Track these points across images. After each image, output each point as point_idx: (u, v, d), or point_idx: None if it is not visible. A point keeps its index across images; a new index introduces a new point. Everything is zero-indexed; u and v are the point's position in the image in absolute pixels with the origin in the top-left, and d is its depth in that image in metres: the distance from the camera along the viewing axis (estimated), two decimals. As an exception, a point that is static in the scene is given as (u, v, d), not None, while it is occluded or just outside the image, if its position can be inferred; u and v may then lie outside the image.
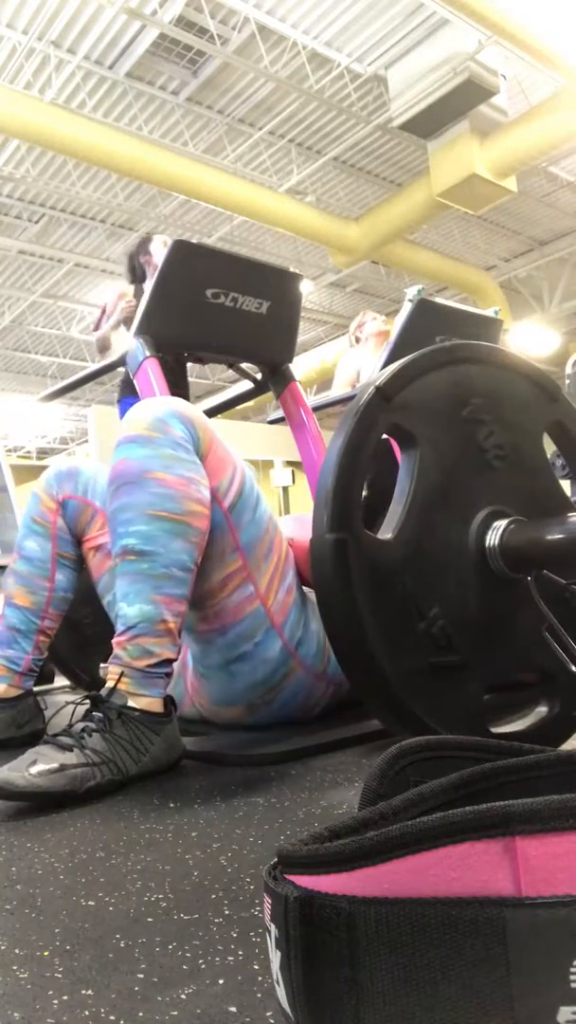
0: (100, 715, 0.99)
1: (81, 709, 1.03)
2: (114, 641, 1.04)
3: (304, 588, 1.27)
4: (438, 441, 1.00)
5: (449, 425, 1.01)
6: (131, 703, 1.01)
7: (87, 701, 1.02)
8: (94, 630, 1.67)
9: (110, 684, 1.02)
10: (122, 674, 1.02)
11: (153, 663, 1.03)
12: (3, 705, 1.29)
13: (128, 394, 3.33)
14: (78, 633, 1.74)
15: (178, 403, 1.12)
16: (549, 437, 1.13)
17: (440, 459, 0.99)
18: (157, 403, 1.12)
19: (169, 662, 1.05)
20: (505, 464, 1.04)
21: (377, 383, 0.97)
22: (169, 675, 1.06)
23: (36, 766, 0.90)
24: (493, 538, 0.98)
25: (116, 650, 1.03)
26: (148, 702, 1.02)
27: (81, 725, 0.98)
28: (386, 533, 0.95)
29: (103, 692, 1.02)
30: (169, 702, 1.06)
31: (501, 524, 0.99)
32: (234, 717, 1.25)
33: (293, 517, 1.42)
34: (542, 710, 1.04)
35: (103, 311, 3.28)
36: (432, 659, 0.94)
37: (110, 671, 1.04)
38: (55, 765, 0.91)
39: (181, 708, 1.33)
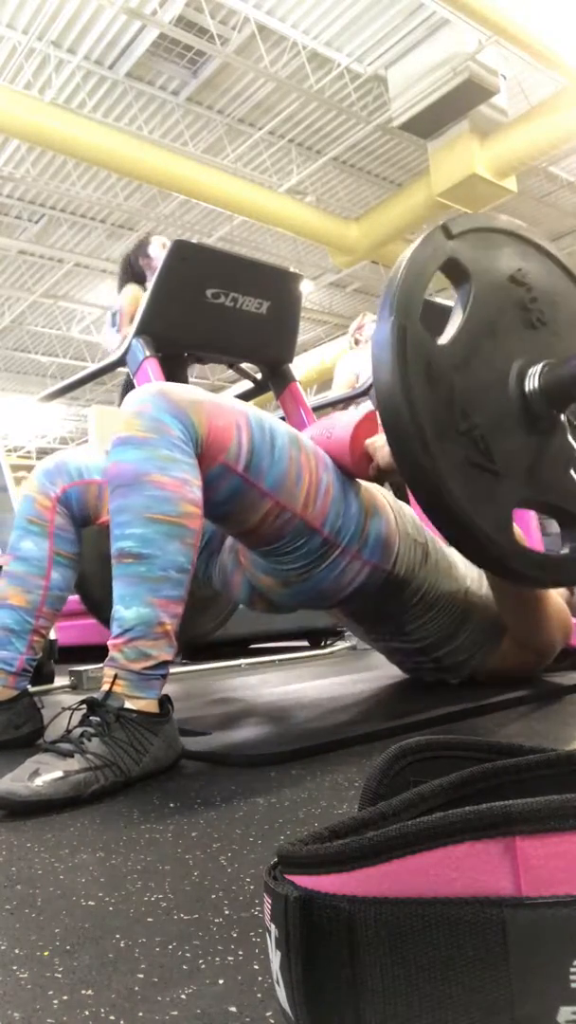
0: (98, 719, 0.99)
1: (78, 714, 1.02)
2: (110, 643, 1.04)
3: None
4: (489, 285, 1.12)
5: (499, 277, 1.14)
6: (128, 705, 1.00)
7: (83, 706, 1.02)
8: None
9: (105, 687, 1.02)
10: (116, 676, 1.01)
11: (150, 665, 1.02)
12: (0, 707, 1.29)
13: None
14: (106, 568, 1.74)
15: (170, 393, 1.08)
16: None
17: (490, 300, 1.11)
18: (149, 397, 1.08)
19: (165, 664, 1.05)
20: (545, 330, 1.16)
21: (444, 221, 1.10)
22: (165, 676, 1.06)
23: (39, 776, 0.90)
24: (532, 378, 1.10)
25: (112, 652, 1.03)
26: (145, 704, 1.02)
27: (80, 730, 0.98)
28: (440, 340, 1.06)
29: (98, 695, 1.01)
30: (166, 701, 1.06)
31: (538, 367, 1.11)
32: (270, 585, 1.31)
33: (322, 420, 1.41)
34: (565, 550, 1.14)
35: (121, 314, 3.20)
36: (472, 457, 1.04)
37: (105, 673, 1.03)
38: (58, 773, 0.91)
39: (234, 576, 1.39)
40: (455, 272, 1.10)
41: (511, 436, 1.09)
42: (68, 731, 0.99)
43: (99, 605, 1.84)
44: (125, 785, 0.97)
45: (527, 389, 1.10)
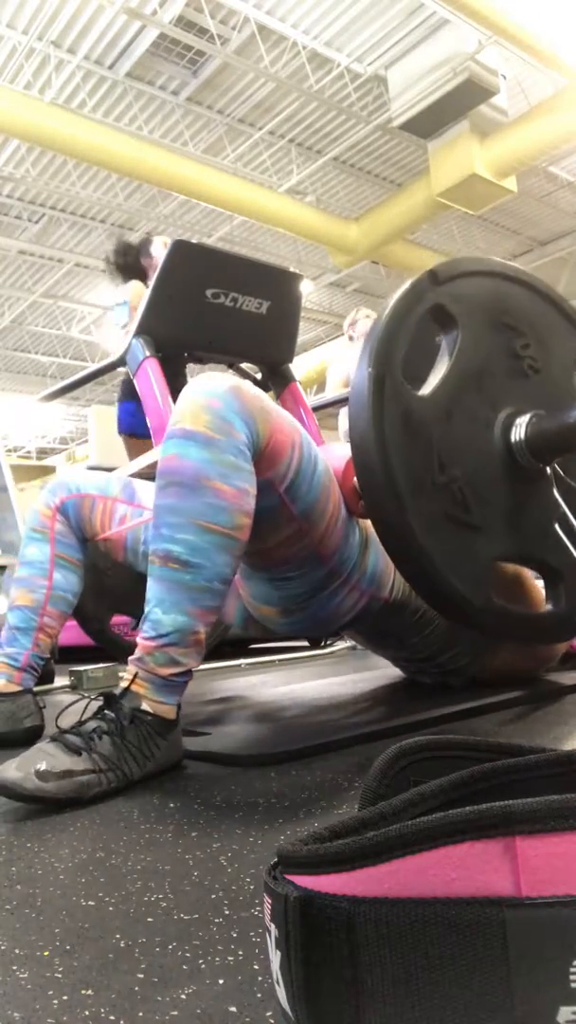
0: (112, 715, 0.98)
1: (93, 705, 1.02)
2: (140, 642, 1.02)
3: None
4: (478, 333, 1.08)
5: (489, 323, 1.10)
6: (144, 706, 1.00)
7: (100, 699, 1.02)
8: (113, 582, 1.68)
9: (124, 684, 1.01)
10: (136, 675, 1.01)
11: (177, 672, 1.02)
12: (1, 699, 1.30)
13: (128, 397, 3.30)
14: (98, 579, 1.75)
15: (242, 391, 1.02)
16: None
17: (477, 349, 1.07)
18: (220, 391, 1.01)
19: (190, 672, 1.04)
20: (537, 377, 1.12)
21: (432, 267, 1.07)
22: (187, 683, 1.05)
23: (44, 769, 0.90)
24: (519, 429, 1.06)
25: (141, 652, 1.01)
26: (164, 709, 1.01)
27: (93, 725, 0.97)
28: (422, 391, 1.03)
29: (117, 691, 1.01)
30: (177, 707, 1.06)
31: (526, 417, 1.07)
32: (269, 615, 1.30)
33: (323, 448, 1.41)
34: (548, 607, 1.10)
35: (130, 307, 3.16)
36: (449, 511, 1.00)
37: (127, 670, 1.02)
38: (63, 770, 0.91)
39: (228, 602, 1.37)
40: (442, 319, 1.07)
41: (493, 488, 1.05)
42: (80, 722, 0.98)
43: (90, 619, 1.85)
44: (125, 788, 0.97)
45: (513, 440, 1.06)
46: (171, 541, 1.00)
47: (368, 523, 1.29)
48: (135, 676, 1.01)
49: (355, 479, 1.18)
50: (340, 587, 1.23)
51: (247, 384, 1.05)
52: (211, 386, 1.02)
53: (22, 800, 0.88)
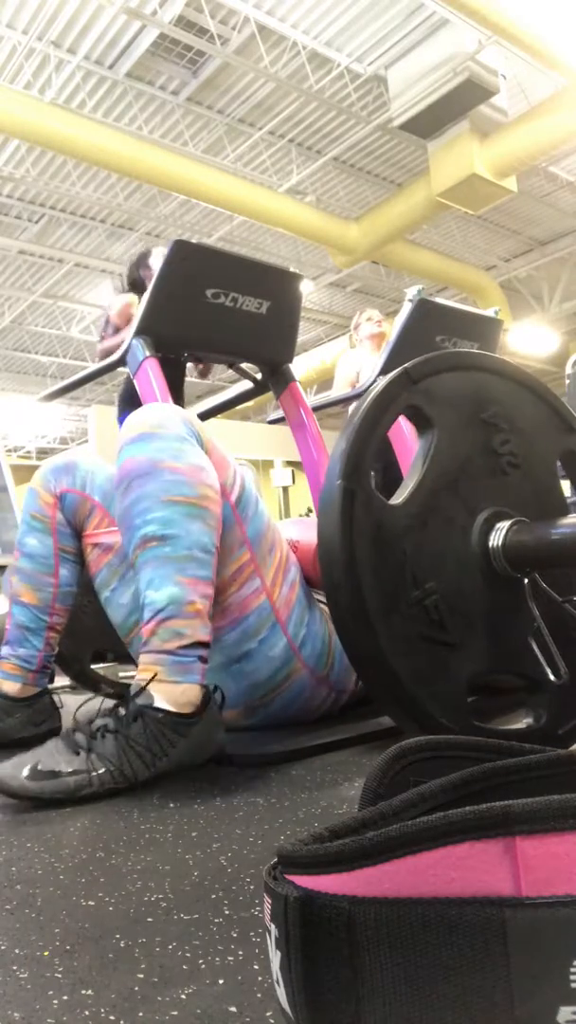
0: (122, 712, 0.97)
1: (108, 704, 1.02)
2: (144, 630, 1.01)
3: (311, 589, 1.27)
4: (455, 433, 1.03)
5: (467, 422, 1.05)
6: (158, 703, 0.97)
7: (114, 699, 1.01)
8: (92, 621, 1.67)
9: (139, 683, 0.99)
10: (155, 676, 0.98)
11: (185, 644, 1.00)
12: (20, 704, 1.29)
13: (128, 410, 3.29)
14: (74, 620, 1.74)
15: (176, 408, 1.13)
16: (562, 466, 1.15)
17: (455, 450, 1.02)
18: (154, 407, 1.13)
19: (202, 645, 1.02)
20: (517, 473, 1.06)
21: (407, 366, 1.02)
22: (204, 660, 1.02)
23: (34, 765, 0.91)
24: (498, 534, 1.00)
25: (147, 637, 1.01)
26: (181, 693, 0.98)
27: (100, 723, 0.96)
28: (394, 500, 0.98)
29: (132, 689, 0.99)
30: (207, 692, 1.02)
31: (506, 523, 1.01)
32: (231, 719, 1.23)
33: (294, 521, 1.42)
34: (528, 720, 1.03)
35: (107, 320, 3.18)
36: (423, 631, 0.95)
37: (141, 664, 1.01)
38: (47, 770, 0.91)
39: None
40: (418, 420, 1.03)
41: (470, 598, 0.99)
42: (91, 721, 0.98)
43: (69, 659, 1.82)
44: (129, 788, 0.96)
45: (491, 545, 1.00)
46: (144, 524, 1.03)
47: None
48: (153, 676, 0.98)
49: None
50: (307, 678, 1.21)
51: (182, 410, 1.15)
52: (149, 406, 1.14)
53: (10, 796, 0.90)
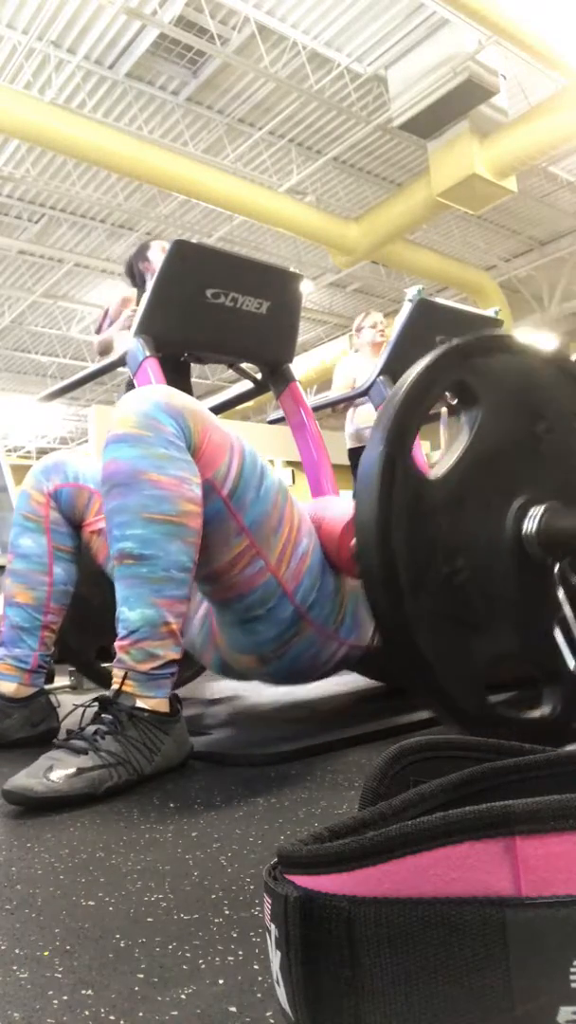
0: (110, 717, 0.99)
1: (90, 712, 1.03)
2: (116, 645, 1.04)
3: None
4: (498, 414, 1.02)
5: (512, 405, 1.04)
6: (139, 704, 1.01)
7: (95, 704, 1.02)
8: (97, 613, 1.66)
9: (115, 686, 1.02)
10: (126, 675, 1.01)
11: (157, 665, 1.02)
12: (17, 705, 1.29)
13: None
14: (79, 612, 1.73)
15: (167, 395, 1.08)
16: None
17: (497, 431, 1.02)
18: (145, 396, 1.08)
19: (173, 663, 1.05)
20: (557, 462, 1.06)
21: (457, 342, 1.01)
22: (174, 675, 1.05)
23: (54, 771, 0.90)
24: (532, 519, 1.00)
25: (119, 654, 1.03)
26: (155, 703, 1.02)
27: (93, 728, 0.98)
28: (433, 474, 0.98)
29: (109, 694, 1.02)
30: (175, 700, 1.06)
31: (540, 508, 1.01)
32: (248, 665, 1.28)
33: (324, 500, 1.41)
34: (544, 711, 1.03)
35: (105, 314, 3.21)
36: (448, 609, 0.95)
37: (114, 673, 1.03)
38: (72, 769, 0.91)
39: (205, 652, 1.36)
40: (463, 395, 1.02)
41: (498, 581, 0.99)
42: (81, 728, 0.99)
43: (76, 652, 1.82)
44: (137, 783, 0.97)
45: (524, 531, 1.00)
46: (123, 539, 1.03)
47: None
48: (124, 677, 1.01)
49: (353, 542, 1.17)
50: (315, 635, 1.21)
51: (176, 391, 1.10)
52: (140, 394, 1.09)
53: (36, 805, 0.89)
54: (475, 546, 0.98)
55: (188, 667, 1.92)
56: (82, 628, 1.77)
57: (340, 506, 1.26)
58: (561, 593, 0.99)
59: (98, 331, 3.18)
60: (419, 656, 0.92)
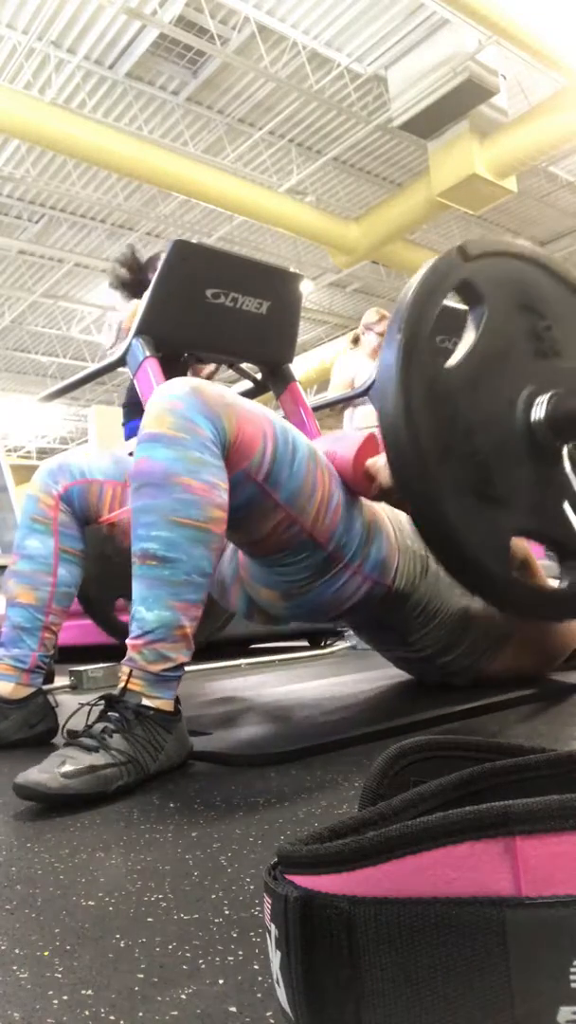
0: (117, 715, 0.99)
1: (96, 710, 1.03)
2: (129, 643, 1.03)
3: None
4: (502, 311, 1.09)
5: (514, 304, 1.11)
6: (145, 702, 1.01)
7: (101, 702, 1.02)
8: (121, 568, 1.66)
9: (121, 684, 1.02)
10: (131, 674, 1.01)
11: (168, 668, 1.03)
12: (14, 705, 1.29)
13: (134, 416, 3.27)
14: (104, 566, 1.72)
15: (202, 391, 1.06)
16: None
17: (502, 327, 1.09)
18: (181, 393, 1.05)
19: (182, 666, 1.05)
20: (557, 359, 1.13)
21: (461, 243, 1.08)
22: (180, 677, 1.06)
23: (65, 767, 0.90)
24: (540, 406, 1.08)
25: (131, 652, 1.03)
26: (161, 703, 1.02)
27: (101, 725, 0.98)
28: (448, 363, 1.05)
29: (116, 692, 1.02)
30: (175, 700, 1.07)
31: (546, 396, 1.08)
32: (270, 598, 1.30)
33: (332, 436, 1.41)
34: (562, 584, 1.12)
35: (120, 327, 3.14)
36: (472, 483, 1.02)
37: (122, 671, 1.03)
38: (84, 767, 0.91)
39: (232, 589, 1.38)
40: (469, 295, 1.08)
41: (513, 464, 1.07)
42: (88, 726, 0.99)
43: (95, 603, 1.83)
44: (143, 781, 0.97)
45: (533, 418, 1.07)
46: (147, 539, 1.02)
47: (372, 507, 1.29)
48: (130, 674, 1.02)
49: (367, 462, 1.22)
50: (341, 571, 1.23)
51: (208, 384, 1.09)
52: (173, 390, 1.07)
53: (48, 800, 0.89)
54: (490, 431, 1.05)
55: (216, 618, 1.92)
56: (104, 582, 1.76)
57: (351, 435, 1.29)
58: (572, 474, 1.09)
59: (113, 346, 3.13)
60: (448, 524, 0.99)
